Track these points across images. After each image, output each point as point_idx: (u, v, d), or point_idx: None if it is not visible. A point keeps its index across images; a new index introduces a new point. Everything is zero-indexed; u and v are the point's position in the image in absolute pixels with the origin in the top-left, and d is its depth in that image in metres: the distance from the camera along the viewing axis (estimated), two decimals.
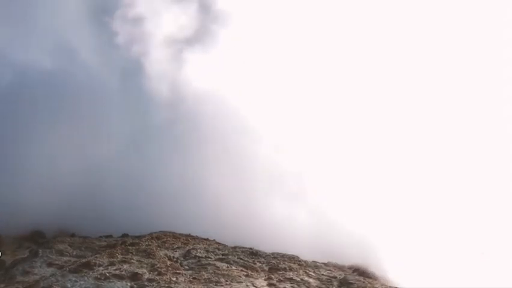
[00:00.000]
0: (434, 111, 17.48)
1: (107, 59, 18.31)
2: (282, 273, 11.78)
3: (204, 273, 11.26)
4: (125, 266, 11.23)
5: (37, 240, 14.63)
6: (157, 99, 16.98)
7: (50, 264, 11.87)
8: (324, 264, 12.89)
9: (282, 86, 17.35)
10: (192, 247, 12.68)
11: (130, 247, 12.22)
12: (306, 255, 12.90)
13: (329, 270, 12.41)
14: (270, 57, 17.72)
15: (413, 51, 18.19)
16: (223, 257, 12.19)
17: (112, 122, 17.17)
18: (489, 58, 18.38)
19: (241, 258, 12.21)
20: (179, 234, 13.53)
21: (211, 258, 12.07)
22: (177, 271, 11.32)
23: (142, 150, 16.44)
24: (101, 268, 11.07)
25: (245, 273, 11.49)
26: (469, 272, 12.78)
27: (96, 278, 10.70)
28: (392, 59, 17.83)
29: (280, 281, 11.45)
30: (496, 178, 16.01)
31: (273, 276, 11.60)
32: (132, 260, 11.54)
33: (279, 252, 12.81)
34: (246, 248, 12.86)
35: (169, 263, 11.67)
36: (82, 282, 10.57)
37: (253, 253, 12.64)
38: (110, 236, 14.35)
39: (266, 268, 11.97)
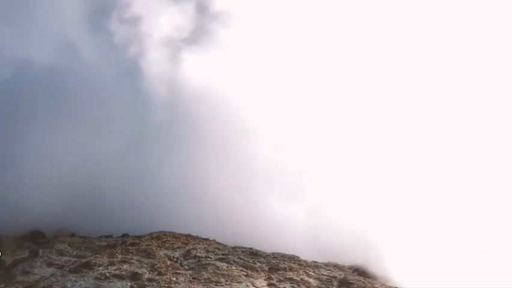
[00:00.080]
0: (433, 111, 17.50)
1: (105, 59, 18.33)
2: (282, 273, 11.77)
3: (204, 273, 11.26)
4: (125, 266, 11.22)
5: (37, 240, 14.63)
6: (156, 99, 17.00)
7: (50, 264, 11.85)
8: (324, 264, 12.88)
9: (281, 86, 17.36)
10: (192, 247, 12.68)
11: (130, 247, 12.20)
12: (306, 255, 12.90)
13: (329, 270, 12.40)
14: (269, 57, 17.74)
15: (413, 51, 18.21)
16: (223, 257, 12.18)
17: (112, 122, 17.19)
18: (489, 58, 18.41)
19: (241, 258, 12.20)
20: (179, 234, 13.51)
21: (211, 258, 12.06)
22: (177, 271, 11.31)
23: (142, 150, 16.45)
24: (101, 268, 11.06)
25: (245, 273, 11.48)
26: (468, 272, 12.78)
27: (96, 278, 10.69)
28: (392, 59, 17.85)
29: (280, 281, 11.45)
30: (496, 178, 16.02)
31: (273, 276, 11.59)
32: (132, 260, 11.53)
33: (279, 252, 12.81)
34: (246, 248, 12.85)
35: (169, 263, 11.67)
36: (82, 282, 10.57)
37: (253, 253, 12.62)
38: (110, 236, 14.33)
39: (266, 268, 11.96)
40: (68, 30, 18.99)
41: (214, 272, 11.33)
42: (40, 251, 12.38)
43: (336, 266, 13.11)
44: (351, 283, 11.61)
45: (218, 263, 11.77)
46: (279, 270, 11.91)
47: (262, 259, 12.37)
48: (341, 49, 17.81)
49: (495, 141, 16.74)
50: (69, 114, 16.99)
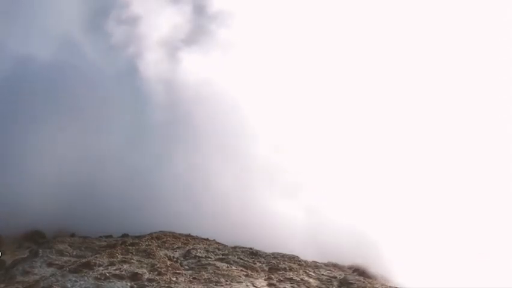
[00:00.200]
0: (433, 111, 17.52)
1: (104, 59, 18.33)
2: (282, 273, 11.77)
3: (204, 273, 11.26)
4: (125, 266, 11.22)
5: (37, 240, 14.62)
6: (155, 99, 17.00)
7: (50, 264, 11.85)
8: (324, 264, 12.88)
9: (280, 86, 17.36)
10: (192, 247, 12.67)
11: (130, 247, 12.20)
12: (306, 255, 12.90)
13: (329, 270, 12.40)
14: (268, 57, 17.75)
15: (413, 51, 18.22)
16: (223, 257, 12.17)
17: (112, 122, 17.18)
18: (489, 58, 18.43)
19: (241, 258, 12.20)
20: (179, 234, 13.50)
21: (211, 258, 12.06)
22: (177, 271, 11.31)
23: (142, 150, 16.45)
24: (101, 268, 11.06)
25: (245, 273, 11.48)
26: (468, 272, 12.80)
27: (96, 278, 10.68)
28: (392, 59, 17.86)
29: (280, 281, 11.45)
30: (495, 178, 16.04)
31: (273, 276, 11.59)
32: (132, 260, 11.53)
33: (279, 252, 12.80)
34: (246, 248, 12.84)
35: (169, 263, 11.67)
36: (82, 282, 10.56)
37: (253, 253, 12.62)
38: (110, 236, 14.32)
39: (266, 268, 11.96)
40: (67, 29, 19.00)
41: (214, 272, 11.33)
42: (40, 251, 12.38)
43: (336, 266, 13.11)
44: (351, 283, 11.61)
45: (218, 263, 11.77)
46: (279, 270, 11.91)
47: (262, 259, 12.36)
48: (340, 49, 17.83)
49: (495, 141, 16.77)
50: (68, 113, 16.98)
